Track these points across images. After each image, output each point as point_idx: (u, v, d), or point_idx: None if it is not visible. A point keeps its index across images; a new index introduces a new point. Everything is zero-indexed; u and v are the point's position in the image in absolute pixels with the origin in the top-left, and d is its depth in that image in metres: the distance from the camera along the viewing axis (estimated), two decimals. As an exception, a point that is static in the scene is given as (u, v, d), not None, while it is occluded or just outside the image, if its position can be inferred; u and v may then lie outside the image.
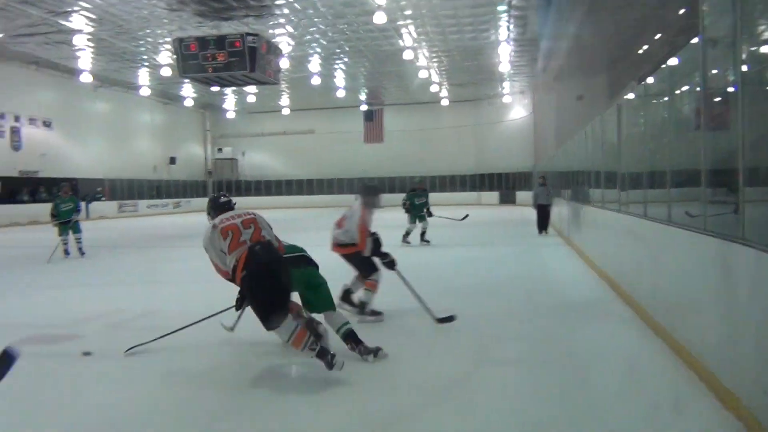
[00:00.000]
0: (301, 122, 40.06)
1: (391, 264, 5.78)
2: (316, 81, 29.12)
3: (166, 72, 26.08)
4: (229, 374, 4.43)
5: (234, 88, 30.28)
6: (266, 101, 36.87)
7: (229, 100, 37.90)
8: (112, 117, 32.38)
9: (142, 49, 24.73)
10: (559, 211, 14.69)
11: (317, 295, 4.61)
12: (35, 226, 21.93)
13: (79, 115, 29.89)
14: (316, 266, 4.76)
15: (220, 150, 41.99)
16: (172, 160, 37.44)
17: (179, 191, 37.59)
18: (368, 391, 3.95)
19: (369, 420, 3.49)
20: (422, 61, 26.78)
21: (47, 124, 28.01)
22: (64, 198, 12.02)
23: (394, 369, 4.42)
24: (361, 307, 5.82)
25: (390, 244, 6.94)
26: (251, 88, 31.29)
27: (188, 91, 34.65)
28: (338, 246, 5.89)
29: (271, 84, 21.68)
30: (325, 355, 4.03)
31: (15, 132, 26.33)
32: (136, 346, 4.85)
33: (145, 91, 31.85)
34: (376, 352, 4.51)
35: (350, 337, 4.52)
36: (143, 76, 29.90)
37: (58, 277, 9.47)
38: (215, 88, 29.84)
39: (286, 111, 39.53)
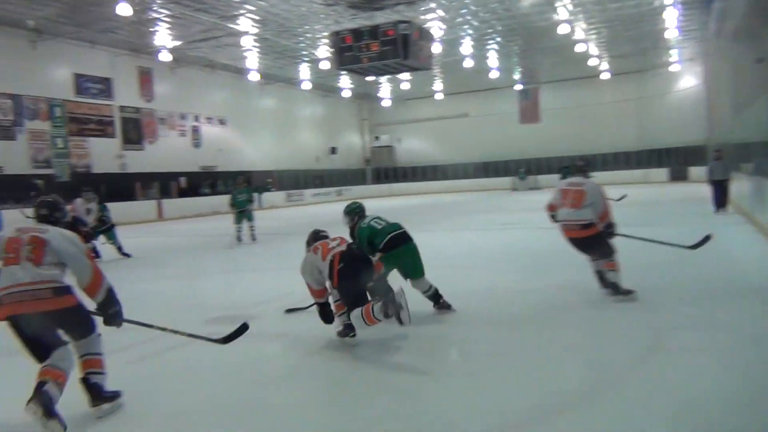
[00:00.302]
0: (455, 106, 39.97)
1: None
2: (468, 63, 28.83)
3: (324, 66, 27.21)
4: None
5: (388, 76, 30.93)
6: (420, 87, 37.20)
7: (384, 88, 38.74)
8: (277, 112, 34.47)
9: (302, 45, 26.00)
10: (739, 186, 13.38)
11: (415, 265, 5.55)
12: (216, 216, 23.99)
13: (249, 111, 32.16)
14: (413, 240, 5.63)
15: (377, 138, 43.17)
16: (333, 150, 39.13)
17: (341, 179, 39.23)
18: (550, 375, 3.88)
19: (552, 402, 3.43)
20: (579, 34, 25.50)
21: (222, 122, 30.48)
22: (240, 189, 13.16)
23: (564, 356, 4.30)
24: (615, 289, 5.71)
25: (546, 225, 6.75)
26: (405, 76, 31.72)
27: (345, 82, 35.89)
28: (579, 228, 5.75)
29: (424, 70, 21.83)
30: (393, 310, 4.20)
31: (195, 131, 28.96)
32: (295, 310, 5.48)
33: (306, 85, 33.49)
34: (449, 306, 5.57)
35: (434, 298, 5.57)
36: (304, 71, 31.43)
37: (237, 262, 10.26)
38: (370, 78, 30.67)
39: (439, 96, 39.65)
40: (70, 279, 3.56)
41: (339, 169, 39.55)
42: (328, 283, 4.86)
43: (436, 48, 23.09)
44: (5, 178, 20.54)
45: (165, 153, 26.99)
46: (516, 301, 6.16)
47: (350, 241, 5.29)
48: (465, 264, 8.68)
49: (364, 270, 4.80)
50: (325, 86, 36.43)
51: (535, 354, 4.42)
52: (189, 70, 27.88)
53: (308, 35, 24.42)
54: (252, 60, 27.83)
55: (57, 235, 3.59)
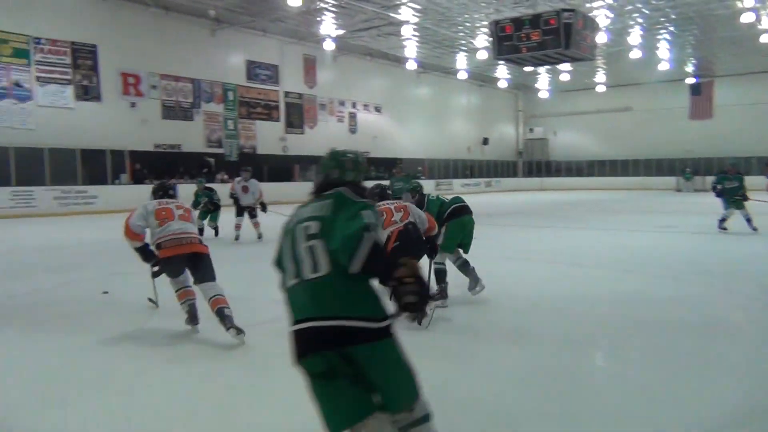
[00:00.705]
0: (616, 99, 37.88)
1: None
2: (635, 54, 27.15)
3: (482, 55, 26.94)
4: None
5: (547, 67, 29.94)
6: (580, 79, 35.67)
7: (542, 79, 37.60)
8: (432, 101, 34.71)
9: (461, 34, 25.92)
10: None
11: (470, 239, 6.03)
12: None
13: (404, 100, 32.70)
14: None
15: (531, 130, 42.08)
16: (485, 141, 38.72)
17: (491, 171, 38.79)
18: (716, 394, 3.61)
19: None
20: (766, 24, 23.09)
21: (378, 109, 31.28)
22: (398, 177, 13.50)
23: (727, 375, 3.96)
24: None
25: (707, 231, 6.22)
26: (565, 66, 30.52)
27: (502, 72, 35.32)
28: None
29: (586, 60, 20.85)
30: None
31: (352, 117, 29.99)
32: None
33: (462, 75, 33.38)
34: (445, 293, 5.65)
35: (464, 267, 5.99)
36: (461, 61, 31.35)
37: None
38: (528, 69, 29.85)
39: (600, 88, 37.74)
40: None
41: (490, 160, 39.11)
42: None
43: (601, 37, 21.96)
44: (182, 155, 22.59)
45: (323, 137, 28.19)
46: (672, 309, 5.76)
47: (410, 206, 5.28)
48: (613, 266, 8.26)
49: (417, 253, 4.84)
50: (481, 76, 36.09)
51: (698, 370, 4.11)
52: (350, 58, 28.86)
53: (467, 24, 24.29)
54: (410, 49, 28.23)
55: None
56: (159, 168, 21.48)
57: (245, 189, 11.61)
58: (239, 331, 4.58)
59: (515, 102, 42.47)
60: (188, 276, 5.02)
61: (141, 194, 18.87)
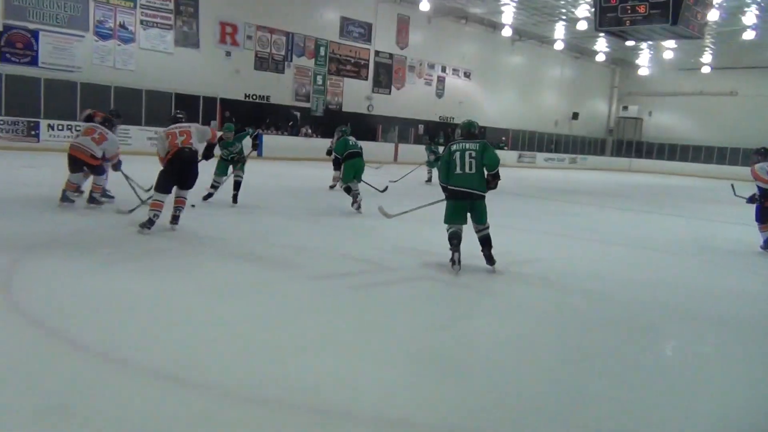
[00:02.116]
0: (722, 82, 35.60)
1: None
2: (748, 35, 25.38)
3: (581, 26, 25.89)
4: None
5: (651, 42, 28.41)
6: (684, 58, 33.70)
7: (644, 55, 35.77)
8: (523, 70, 33.76)
9: (562, 2, 24.96)
10: None
11: (360, 174, 9.67)
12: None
13: (495, 67, 31.96)
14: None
15: (625, 108, 40.25)
16: (575, 116, 37.42)
17: (577, 147, 37.59)
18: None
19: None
20: None
21: (467, 75, 30.75)
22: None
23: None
24: None
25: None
26: (669, 43, 28.97)
27: (601, 45, 33.86)
28: None
29: (693, 39, 19.69)
30: None
31: (440, 81, 29.63)
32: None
33: (558, 45, 32.23)
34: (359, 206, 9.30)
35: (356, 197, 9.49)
36: (559, 30, 30.25)
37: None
38: (630, 43, 28.43)
39: (705, 69, 35.50)
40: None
41: (577, 136, 37.86)
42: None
43: (713, 15, 20.62)
44: (270, 107, 23.08)
45: (409, 99, 28.08)
46: (743, 303, 5.50)
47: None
48: (693, 256, 7.92)
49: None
50: (578, 47, 34.75)
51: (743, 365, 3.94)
52: (444, 21, 28.39)
53: (569, -8, 23.37)
54: (507, 15, 27.40)
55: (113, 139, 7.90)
56: (247, 117, 22.04)
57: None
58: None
59: (611, 77, 40.69)
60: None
61: (229, 141, 19.41)
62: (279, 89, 23.44)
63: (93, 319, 3.85)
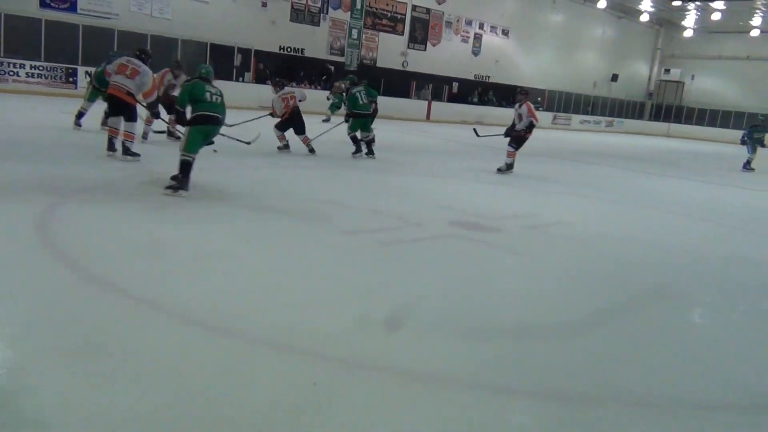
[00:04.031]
0: (771, 47, 34.27)
1: None
2: (804, -2, 24.29)
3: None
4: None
5: (698, 2, 27.41)
6: (733, 19, 32.41)
7: (690, 16, 34.50)
8: (563, 29, 32.85)
9: (606, -41, 24.11)
10: None
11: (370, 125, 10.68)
12: (479, 126, 24.31)
13: (534, 25, 31.15)
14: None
15: (667, 71, 39.03)
16: (614, 78, 36.45)
17: (614, 110, 36.73)
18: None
19: None
20: None
21: (505, 33, 30.08)
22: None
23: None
24: None
25: None
26: (718, 4, 27.92)
27: (647, 4, 32.74)
28: None
29: None
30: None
31: (477, 38, 29.04)
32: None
33: (601, 4, 31.24)
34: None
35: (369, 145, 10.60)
36: (602, -12, 29.33)
37: (489, 175, 10.40)
38: (677, 2, 27.49)
39: (755, 32, 34.08)
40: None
41: (616, 99, 36.94)
42: None
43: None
44: (305, 60, 22.94)
45: (444, 57, 27.62)
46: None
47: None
48: (727, 224, 7.79)
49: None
50: (621, 6, 33.64)
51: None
52: (483, -24, 27.71)
53: (615, -52, 22.52)
54: (549, -29, 26.63)
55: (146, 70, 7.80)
56: (281, 70, 21.98)
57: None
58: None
59: (654, 39, 39.36)
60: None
61: (261, 93, 19.49)
62: (314, 42, 23.23)
63: (129, 263, 3.97)
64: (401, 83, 25.74)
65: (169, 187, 5.96)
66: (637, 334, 3.67)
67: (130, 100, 7.72)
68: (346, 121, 10.96)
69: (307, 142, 10.24)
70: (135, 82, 7.69)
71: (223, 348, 2.91)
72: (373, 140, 10.74)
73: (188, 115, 6.23)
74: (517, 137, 10.17)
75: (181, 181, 5.97)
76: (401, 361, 2.95)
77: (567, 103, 33.71)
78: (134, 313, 3.22)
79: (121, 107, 7.73)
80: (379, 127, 11.32)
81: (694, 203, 9.60)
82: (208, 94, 6.14)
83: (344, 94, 11.20)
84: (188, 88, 6.24)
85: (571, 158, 15.49)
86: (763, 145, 15.73)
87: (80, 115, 10.11)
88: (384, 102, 14.15)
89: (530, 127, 10.15)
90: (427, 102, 26.00)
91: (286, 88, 10.51)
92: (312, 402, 2.48)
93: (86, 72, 15.50)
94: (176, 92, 8.41)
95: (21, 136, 8.93)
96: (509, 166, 10.31)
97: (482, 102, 28.45)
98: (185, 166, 5.98)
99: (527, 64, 31.32)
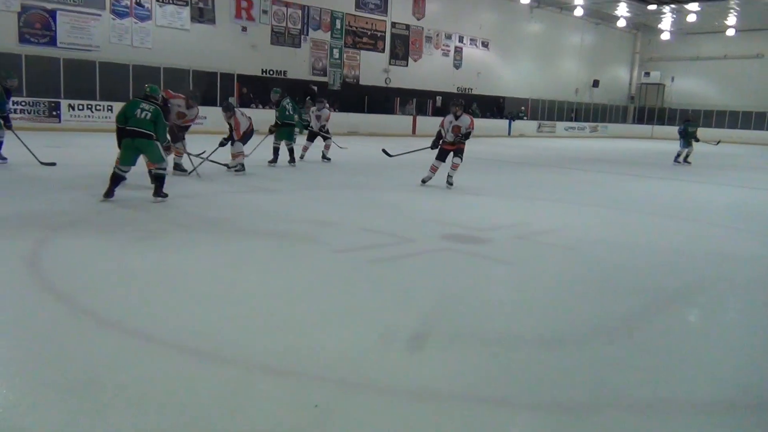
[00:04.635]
0: (747, 45, 34.77)
1: None
2: (776, -5, 24.72)
3: (601, -9, 25.40)
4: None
5: (673, 6, 27.75)
6: (708, 20, 32.89)
7: (666, 19, 34.96)
8: (542, 38, 33.22)
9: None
10: None
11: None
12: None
13: (513, 36, 31.49)
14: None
15: (647, 74, 39.53)
16: (595, 83, 36.84)
17: (598, 115, 37.06)
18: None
19: None
20: None
21: (485, 45, 30.36)
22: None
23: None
24: None
25: None
26: (693, 6, 28.34)
27: (623, 10, 33.19)
28: None
29: (719, 0, 19.24)
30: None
31: (458, 51, 29.31)
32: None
33: (578, 12, 31.65)
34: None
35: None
36: (578, -4, 29.74)
37: (481, 186, 10.43)
38: (652, 6, 27.84)
39: (730, 32, 34.62)
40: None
41: (598, 104, 37.29)
42: None
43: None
44: (287, 82, 23.00)
45: (426, 71, 27.83)
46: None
47: None
48: (718, 222, 7.85)
49: None
50: (598, 14, 34.12)
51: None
52: (461, -10, 28.01)
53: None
54: (525, -19, 26.99)
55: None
56: (265, 92, 22.01)
57: (318, 117, 12.75)
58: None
59: (632, 43, 39.87)
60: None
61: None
62: (296, 63, 23.36)
63: (119, 295, 3.94)
64: (385, 100, 25.88)
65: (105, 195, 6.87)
66: (635, 339, 3.66)
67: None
68: (271, 132, 11.57)
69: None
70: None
71: (219, 375, 2.88)
72: (293, 149, 11.60)
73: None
74: (460, 149, 9.68)
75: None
76: (400, 378, 2.93)
77: (551, 111, 33.98)
78: (127, 345, 3.18)
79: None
80: (365, 144, 11.36)
81: (679, 203, 9.66)
82: (138, 111, 6.88)
83: (275, 105, 11.40)
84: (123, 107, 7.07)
85: (558, 165, 15.58)
86: (697, 140, 16.92)
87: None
88: (369, 119, 14.29)
89: (467, 136, 9.70)
90: (411, 117, 26.13)
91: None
92: (314, 424, 2.46)
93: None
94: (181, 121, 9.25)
95: (9, 173, 8.89)
96: (429, 179, 9.73)
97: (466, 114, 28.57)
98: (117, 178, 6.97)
99: (509, 74, 31.60)
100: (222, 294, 4.06)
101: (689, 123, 17.20)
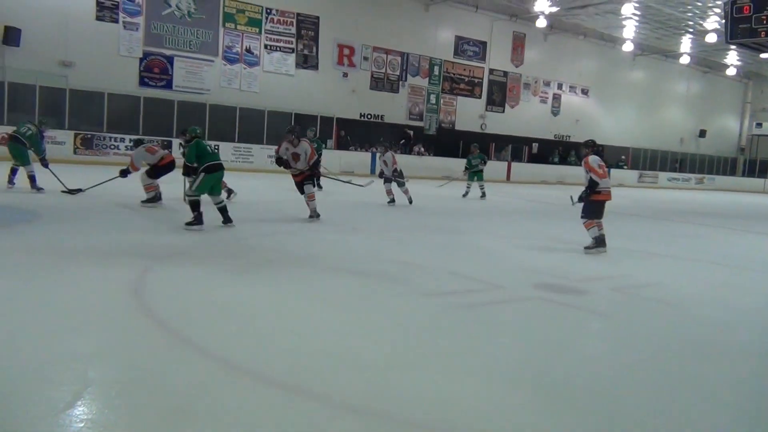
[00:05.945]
0: None
1: None
2: None
3: (710, 38, 24.51)
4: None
5: (789, 54, 26.20)
6: (829, 70, 30.98)
7: (781, 68, 33.24)
8: (645, 86, 32.33)
9: (689, 14, 23.79)
10: None
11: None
12: (559, 186, 23.94)
13: (614, 83, 30.84)
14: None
15: (758, 125, 37.42)
16: (702, 133, 35.28)
17: (704, 166, 35.33)
18: None
19: None
20: None
21: (584, 92, 29.89)
22: (474, 155, 15.34)
23: None
24: None
25: None
26: (811, 55, 26.69)
27: (732, 58, 31.83)
28: None
29: (840, 49, 18.09)
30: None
31: (556, 98, 29.00)
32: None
33: (684, 59, 30.64)
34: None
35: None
36: (685, 44, 28.81)
37: (574, 234, 10.14)
38: (765, 55, 26.43)
39: None
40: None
41: (705, 155, 35.58)
42: None
43: None
44: (384, 125, 23.52)
45: (523, 118, 27.68)
46: None
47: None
48: None
49: None
50: (706, 61, 32.89)
51: None
52: (561, 37, 27.84)
53: (698, 3, 22.25)
54: (628, 29, 26.53)
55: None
56: (362, 136, 22.60)
57: (385, 163, 12.26)
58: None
59: (743, 92, 38.01)
60: None
61: (342, 159, 20.01)
62: (393, 108, 23.88)
63: (216, 325, 4.09)
64: (480, 145, 25.80)
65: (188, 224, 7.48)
66: (736, 404, 3.40)
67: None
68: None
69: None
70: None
71: (304, 411, 2.91)
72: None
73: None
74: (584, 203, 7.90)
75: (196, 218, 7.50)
76: (487, 426, 2.85)
77: (653, 161, 32.75)
78: (220, 375, 3.29)
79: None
80: (458, 189, 11.33)
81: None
82: (209, 148, 7.84)
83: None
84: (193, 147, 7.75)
85: (660, 217, 14.93)
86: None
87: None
88: (463, 164, 14.47)
89: (593, 186, 7.66)
90: (506, 163, 25.94)
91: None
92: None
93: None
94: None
95: (118, 207, 9.52)
96: (598, 241, 7.89)
97: (563, 162, 28.11)
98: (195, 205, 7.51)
99: (609, 122, 30.87)
100: (310, 330, 4.13)
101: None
